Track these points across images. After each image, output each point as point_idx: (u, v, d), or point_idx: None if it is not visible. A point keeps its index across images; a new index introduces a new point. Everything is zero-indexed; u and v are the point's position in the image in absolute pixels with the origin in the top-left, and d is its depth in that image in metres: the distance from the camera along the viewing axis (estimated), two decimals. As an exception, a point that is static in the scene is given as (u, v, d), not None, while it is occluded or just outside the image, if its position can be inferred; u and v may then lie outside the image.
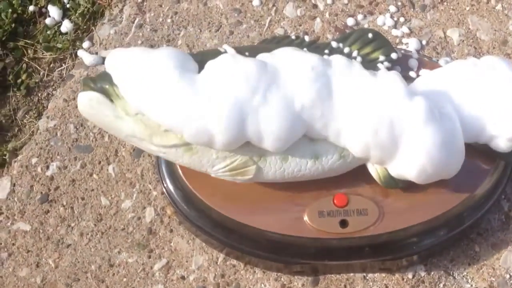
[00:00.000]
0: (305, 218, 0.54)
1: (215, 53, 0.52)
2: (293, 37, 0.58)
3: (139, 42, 0.72)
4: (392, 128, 0.49)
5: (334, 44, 0.57)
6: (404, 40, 0.70)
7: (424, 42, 0.70)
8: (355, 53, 0.57)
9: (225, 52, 0.53)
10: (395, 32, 0.70)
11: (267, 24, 0.72)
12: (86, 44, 0.73)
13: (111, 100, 0.50)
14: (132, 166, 0.64)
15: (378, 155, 0.50)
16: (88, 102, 0.50)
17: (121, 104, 0.50)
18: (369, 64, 0.56)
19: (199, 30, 0.72)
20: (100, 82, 0.50)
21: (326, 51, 0.56)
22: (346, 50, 0.57)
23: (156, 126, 0.50)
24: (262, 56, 0.51)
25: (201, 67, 0.51)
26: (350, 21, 0.71)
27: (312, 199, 0.55)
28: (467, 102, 0.52)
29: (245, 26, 0.72)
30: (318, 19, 0.72)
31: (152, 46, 0.72)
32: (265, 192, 0.55)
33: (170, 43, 0.72)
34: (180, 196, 0.58)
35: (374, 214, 0.54)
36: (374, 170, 0.53)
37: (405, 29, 0.71)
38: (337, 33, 0.70)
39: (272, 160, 0.51)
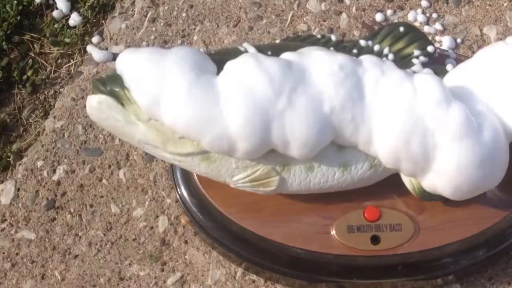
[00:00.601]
0: (333, 232, 0.50)
1: (235, 53, 0.48)
2: (319, 36, 0.53)
3: (152, 37, 0.68)
4: (426, 139, 0.44)
5: (362, 42, 0.52)
6: (437, 38, 0.65)
7: (459, 41, 0.65)
8: (386, 50, 0.52)
9: (246, 51, 0.49)
10: (427, 29, 0.65)
11: (289, 19, 0.67)
12: (95, 39, 0.69)
13: (122, 104, 0.46)
14: (145, 171, 0.60)
15: (409, 168, 0.45)
16: (98, 106, 0.46)
17: (133, 109, 0.46)
18: (403, 61, 0.52)
19: (216, 25, 0.68)
20: (111, 84, 0.46)
21: (355, 50, 0.52)
22: (376, 47, 0.52)
23: (170, 132, 0.46)
24: (286, 56, 0.46)
25: (219, 68, 0.46)
26: (378, 17, 0.66)
27: (341, 212, 0.51)
28: (508, 93, 0.47)
29: (266, 21, 0.67)
30: (344, 14, 0.67)
31: (165, 42, 0.67)
32: (288, 203, 0.51)
33: (185, 39, 0.67)
34: (196, 205, 0.54)
35: (408, 230, 0.50)
36: (409, 180, 0.48)
37: (438, 26, 0.66)
38: (365, 29, 0.65)
39: (296, 170, 0.47)
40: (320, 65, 0.45)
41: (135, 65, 0.45)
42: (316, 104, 0.44)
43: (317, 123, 0.44)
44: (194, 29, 0.68)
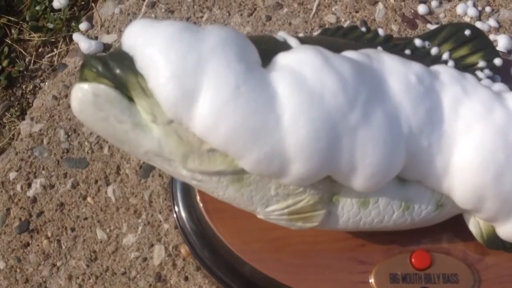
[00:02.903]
0: (371, 281, 0.40)
1: (274, 42, 0.37)
2: (363, 29, 0.42)
3: (151, 25, 0.57)
4: None
5: (418, 42, 0.42)
6: (492, 37, 0.55)
7: (517, 40, 0.55)
8: (446, 56, 0.42)
9: (284, 41, 0.38)
10: (479, 25, 0.55)
11: (314, 9, 0.57)
12: (83, 25, 0.58)
13: (130, 98, 0.33)
14: (138, 188, 0.50)
15: (493, 209, 0.35)
16: (93, 99, 0.32)
17: (147, 105, 0.33)
18: (465, 72, 0.41)
19: (227, 14, 0.57)
20: (118, 66, 0.32)
21: (407, 51, 0.42)
22: (434, 50, 0.42)
23: (197, 142, 0.33)
24: (351, 55, 0.36)
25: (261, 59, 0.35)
26: (421, 9, 0.56)
27: (382, 256, 0.41)
28: None
29: (286, 10, 0.57)
30: (380, 5, 0.56)
31: (167, 31, 0.57)
32: (317, 242, 0.41)
33: (190, 29, 0.57)
34: (198, 235, 0.44)
35: (466, 281, 0.40)
36: (475, 224, 0.38)
37: (492, 22, 0.55)
38: (405, 23, 0.55)
39: (347, 204, 0.37)
40: (396, 73, 0.34)
41: (159, 42, 0.32)
42: (393, 123, 0.33)
43: (393, 147, 0.33)
44: (201, 17, 0.57)
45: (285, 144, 0.32)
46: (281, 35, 0.38)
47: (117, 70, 0.32)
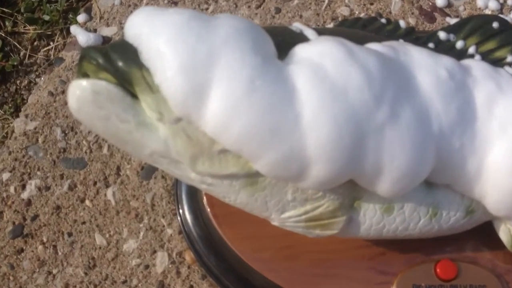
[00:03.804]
0: (392, 292, 0.37)
1: (290, 33, 0.34)
2: (383, 20, 0.39)
3: (153, 17, 0.54)
4: None
5: (442, 35, 0.39)
6: (515, 31, 0.51)
7: (542, 35, 0.52)
8: (472, 49, 0.39)
9: (300, 32, 0.35)
10: (501, 18, 0.52)
11: (326, 0, 0.54)
12: (81, 17, 0.55)
13: (134, 95, 0.30)
14: (140, 191, 0.47)
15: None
16: (92, 98, 0.29)
17: (153, 102, 0.29)
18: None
19: (234, 5, 0.54)
20: (120, 58, 0.29)
21: (431, 44, 0.39)
22: (460, 44, 0.39)
23: (208, 143, 0.30)
24: (375, 47, 0.33)
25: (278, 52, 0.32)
26: (440, 1, 0.53)
27: (404, 265, 0.38)
28: None
29: (297, 2, 0.54)
30: (396, -3, 0.54)
31: (170, 24, 0.54)
32: (333, 250, 0.38)
33: (194, 21, 0.54)
34: (205, 242, 0.42)
35: (495, 293, 0.37)
36: (507, 231, 0.36)
37: (515, 16, 0.52)
38: (422, 16, 0.52)
39: (369, 210, 0.34)
40: (425, 67, 0.31)
41: (170, 33, 0.28)
42: (423, 122, 0.30)
43: (423, 148, 0.30)
44: (207, 9, 0.54)
45: (305, 144, 0.29)
46: (297, 25, 0.35)
47: (120, 63, 0.29)
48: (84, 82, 0.29)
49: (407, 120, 0.30)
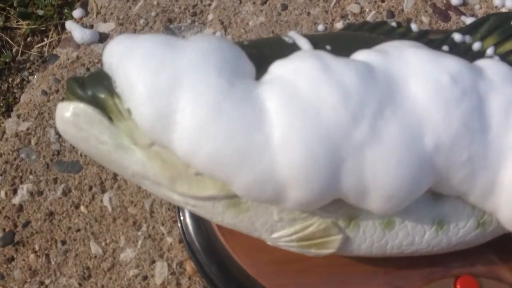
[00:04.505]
0: (409, 310, 0.35)
1: (279, 46, 0.33)
2: (393, 23, 0.37)
3: (153, 13, 0.51)
4: None
5: (457, 36, 0.37)
6: (533, 31, 0.49)
7: (562, 35, 0.49)
8: (490, 51, 0.37)
9: (293, 42, 0.33)
10: (518, 18, 0.50)
11: (335, -3, 0.51)
12: (77, 12, 0.52)
13: (110, 119, 0.31)
14: (138, 196, 0.44)
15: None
16: (73, 119, 0.31)
17: (127, 127, 0.30)
18: None
19: (238, 1, 0.51)
20: (93, 87, 0.31)
21: (445, 47, 0.36)
22: (477, 46, 0.37)
23: (182, 166, 0.31)
24: (362, 56, 0.31)
25: (259, 69, 0.31)
26: (455, -1, 0.50)
27: (421, 281, 0.36)
28: None
29: (304, -2, 0.51)
30: (408, -6, 0.51)
31: (170, 20, 0.51)
32: (345, 264, 0.36)
33: (196, 18, 0.51)
34: (207, 251, 0.39)
35: (519, 312, 0.35)
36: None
37: (533, 15, 0.50)
38: (436, 15, 0.49)
39: (368, 227, 0.32)
40: (421, 74, 0.29)
41: (134, 60, 0.29)
42: (413, 137, 0.28)
43: (413, 166, 0.28)
44: (209, 4, 0.52)
45: (277, 166, 0.28)
46: (291, 35, 0.33)
47: (95, 91, 0.31)
48: (66, 104, 0.31)
49: (391, 136, 0.28)
